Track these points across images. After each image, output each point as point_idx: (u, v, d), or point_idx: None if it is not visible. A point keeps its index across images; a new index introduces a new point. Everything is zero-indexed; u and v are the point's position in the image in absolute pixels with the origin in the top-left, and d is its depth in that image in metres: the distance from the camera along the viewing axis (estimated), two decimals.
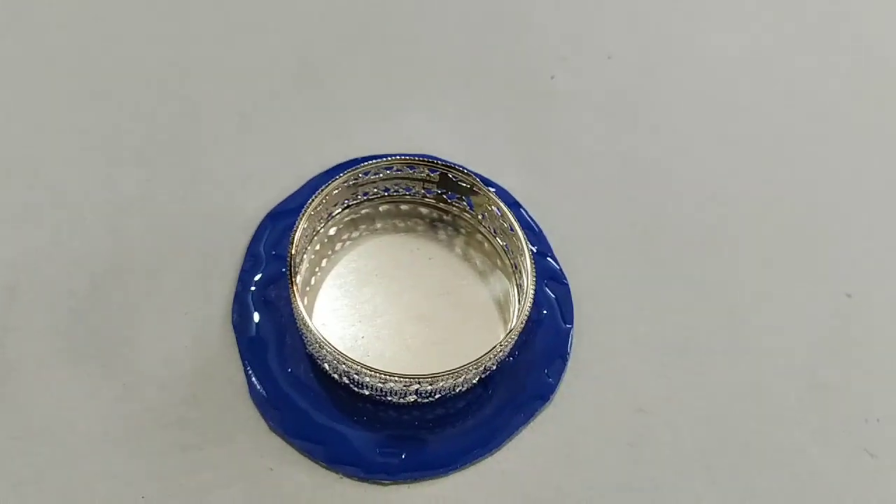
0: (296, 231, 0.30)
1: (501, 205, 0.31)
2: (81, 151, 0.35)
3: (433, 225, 0.34)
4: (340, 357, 0.28)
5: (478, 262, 0.34)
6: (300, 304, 0.28)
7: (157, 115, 0.36)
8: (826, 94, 0.42)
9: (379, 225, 0.34)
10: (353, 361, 0.28)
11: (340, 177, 0.31)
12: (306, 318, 0.28)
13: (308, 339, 0.29)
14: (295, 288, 0.29)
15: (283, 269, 0.32)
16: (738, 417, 0.32)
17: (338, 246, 0.33)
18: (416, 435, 0.30)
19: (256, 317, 0.32)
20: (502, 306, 0.33)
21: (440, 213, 0.34)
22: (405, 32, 0.41)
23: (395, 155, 0.32)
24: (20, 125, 0.35)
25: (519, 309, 0.30)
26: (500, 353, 0.29)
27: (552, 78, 0.39)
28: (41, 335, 0.31)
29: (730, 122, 0.40)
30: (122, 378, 0.30)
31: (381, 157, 0.33)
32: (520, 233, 0.31)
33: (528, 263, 0.30)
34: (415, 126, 0.37)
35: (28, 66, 0.37)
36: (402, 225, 0.34)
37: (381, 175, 0.32)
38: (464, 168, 0.32)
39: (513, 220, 0.31)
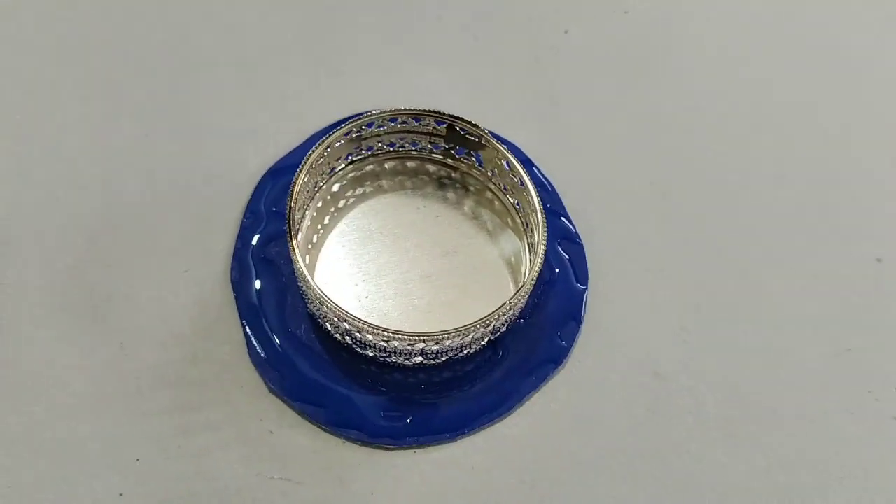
0: (295, 183, 0.28)
1: (511, 158, 0.30)
2: (79, 106, 0.34)
3: (441, 183, 0.33)
4: (342, 314, 0.27)
5: (488, 221, 0.32)
6: (300, 259, 0.27)
7: (156, 68, 0.35)
8: (856, 48, 0.40)
9: (384, 182, 0.33)
10: (356, 319, 0.26)
11: (342, 127, 0.29)
12: (306, 273, 0.27)
13: (309, 296, 0.28)
14: (294, 243, 0.27)
15: (284, 227, 0.31)
16: (760, 383, 0.31)
17: (341, 203, 0.32)
18: (422, 399, 0.29)
19: (256, 275, 0.30)
20: (513, 266, 0.31)
21: (448, 170, 0.33)
22: None
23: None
24: (16, 79, 0.34)
25: (530, 268, 0.29)
26: (510, 313, 0.28)
27: (566, 32, 0.38)
28: (36, 291, 0.30)
29: (750, 77, 0.38)
30: (119, 336, 0.29)
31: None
32: (530, 187, 0.29)
33: (539, 218, 0.29)
34: (423, 82, 0.36)
35: (24, 20, 0.36)
36: (408, 183, 0.33)
37: (385, 127, 0.31)
38: (471, 120, 0.31)
39: (523, 173, 0.30)
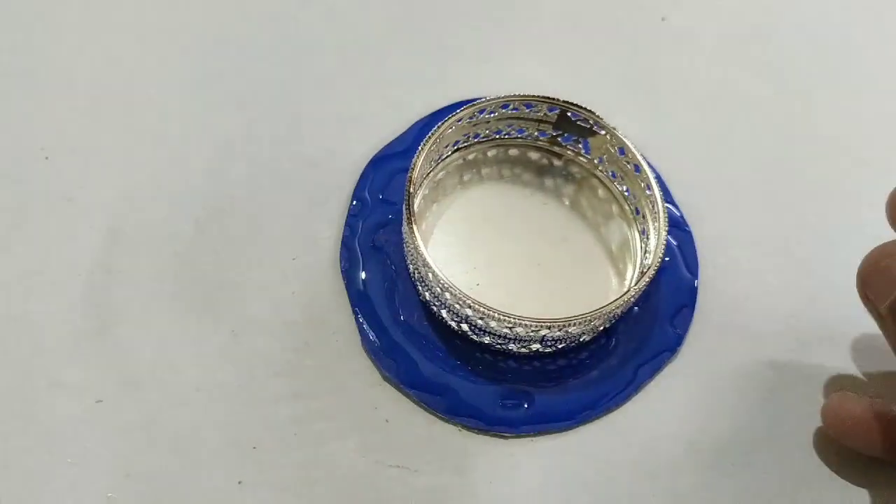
0: (413, 169, 0.28)
1: (627, 143, 0.30)
2: (183, 95, 0.33)
3: (542, 171, 0.33)
4: (466, 301, 0.26)
5: (590, 209, 0.32)
6: (422, 246, 0.27)
7: (259, 58, 0.35)
8: None
9: (487, 171, 0.32)
10: (481, 305, 0.26)
11: (457, 113, 0.29)
12: (429, 260, 0.27)
13: (428, 282, 0.28)
14: (416, 229, 0.27)
15: (390, 215, 0.31)
16: (874, 371, 0.30)
17: (448, 190, 0.32)
18: (539, 387, 0.29)
19: (365, 263, 0.30)
20: (619, 254, 0.31)
21: (551, 157, 0.33)
22: None
23: None
24: (122, 69, 0.34)
25: (652, 253, 0.28)
26: (632, 300, 0.27)
27: (663, 20, 0.37)
28: (146, 279, 0.29)
29: (852, 60, 0.38)
30: (230, 324, 0.29)
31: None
32: (647, 170, 0.29)
33: (658, 203, 0.28)
34: (520, 69, 0.35)
35: (129, 11, 0.36)
36: (513, 171, 0.32)
37: (496, 114, 0.30)
38: (585, 107, 0.30)
39: (639, 158, 0.29)
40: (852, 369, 0.30)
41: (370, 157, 0.32)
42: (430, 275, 0.27)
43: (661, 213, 0.28)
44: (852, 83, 0.37)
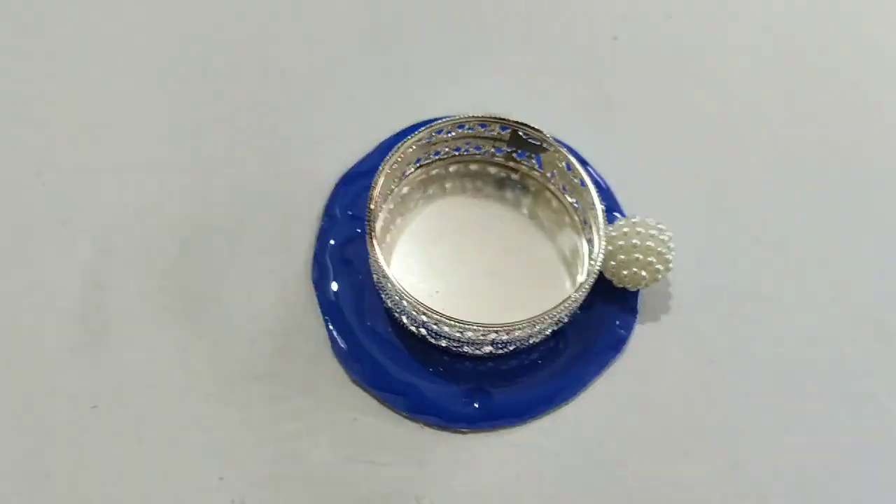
0: (374, 187, 0.30)
1: (572, 159, 0.32)
2: (168, 123, 0.36)
3: (502, 184, 0.35)
4: (420, 308, 0.29)
5: (546, 220, 0.34)
6: (381, 258, 0.29)
7: (237, 86, 0.37)
8: None
9: (449, 185, 0.35)
10: (433, 311, 0.29)
11: (415, 135, 0.32)
12: (387, 271, 0.29)
13: (388, 291, 0.30)
14: (375, 243, 0.30)
15: (358, 230, 0.34)
16: (807, 365, 0.33)
17: (411, 205, 0.34)
18: (493, 386, 0.31)
19: (335, 274, 0.33)
20: (572, 262, 0.33)
21: (508, 171, 0.35)
22: None
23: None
24: (105, 93, 0.37)
25: (591, 262, 0.31)
26: (573, 305, 0.30)
27: (615, 39, 0.40)
28: (135, 294, 0.32)
29: (797, 78, 0.40)
30: (212, 334, 0.32)
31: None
32: (590, 186, 0.31)
33: (599, 216, 0.31)
34: (481, 89, 0.38)
35: (109, 33, 0.38)
36: (471, 185, 0.35)
37: (453, 133, 0.33)
38: (534, 126, 0.33)
39: (583, 174, 0.32)
40: (792, 365, 0.33)
41: (340, 175, 0.35)
42: (388, 284, 0.29)
43: (602, 224, 0.31)
44: (800, 99, 0.39)
